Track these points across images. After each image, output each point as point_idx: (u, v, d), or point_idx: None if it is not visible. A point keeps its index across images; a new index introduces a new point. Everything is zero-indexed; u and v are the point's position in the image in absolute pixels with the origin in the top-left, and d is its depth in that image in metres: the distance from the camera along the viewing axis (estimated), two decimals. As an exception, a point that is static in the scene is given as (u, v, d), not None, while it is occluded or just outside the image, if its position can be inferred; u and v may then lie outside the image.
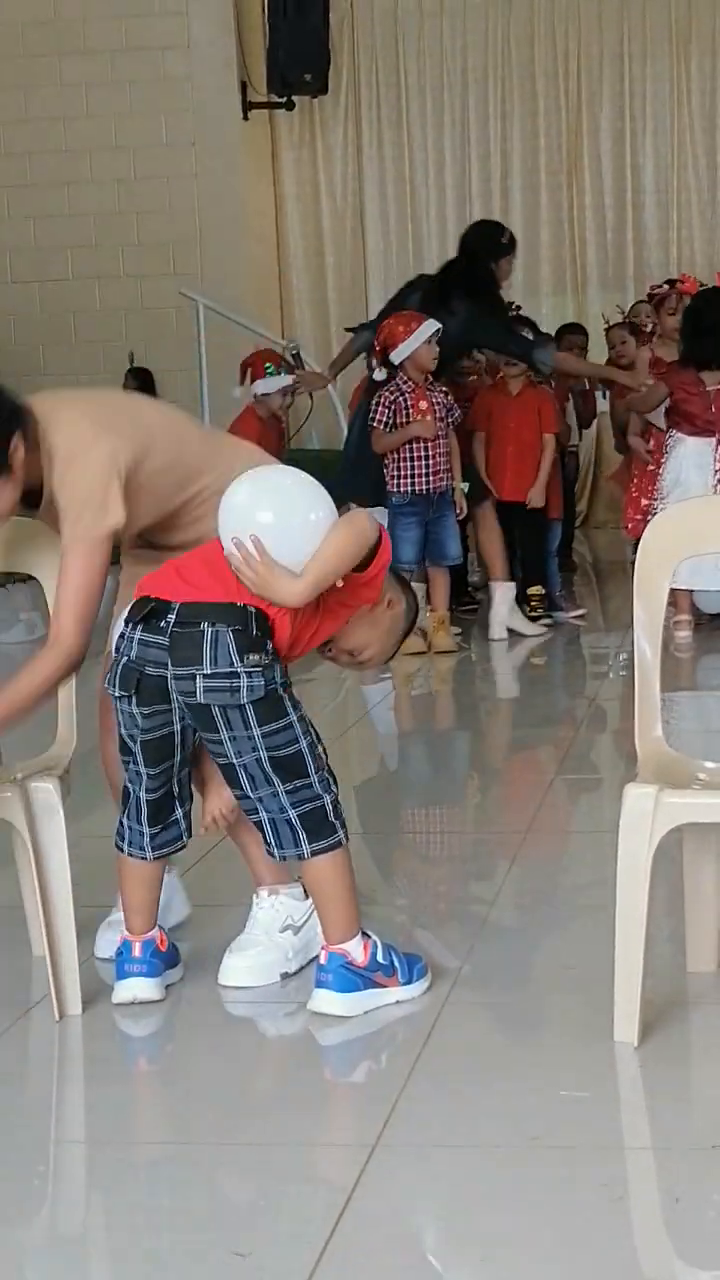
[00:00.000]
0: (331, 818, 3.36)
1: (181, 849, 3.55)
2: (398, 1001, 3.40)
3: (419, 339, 7.59)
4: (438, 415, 7.71)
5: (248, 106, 12.96)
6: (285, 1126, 2.94)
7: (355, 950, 3.39)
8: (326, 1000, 3.38)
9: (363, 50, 13.42)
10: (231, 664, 3.24)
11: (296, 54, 12.44)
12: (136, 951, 3.50)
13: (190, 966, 3.64)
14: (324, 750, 3.40)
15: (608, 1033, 3.17)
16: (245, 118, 13.01)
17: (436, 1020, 3.34)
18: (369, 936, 3.42)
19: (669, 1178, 2.74)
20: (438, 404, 7.73)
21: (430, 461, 7.67)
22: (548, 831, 4.73)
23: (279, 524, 3.21)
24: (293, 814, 3.33)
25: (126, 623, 3.35)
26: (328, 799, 3.36)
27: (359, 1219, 2.57)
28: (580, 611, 8.67)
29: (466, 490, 7.92)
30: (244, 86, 12.87)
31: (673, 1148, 2.82)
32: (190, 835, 3.55)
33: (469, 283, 8.06)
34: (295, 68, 12.53)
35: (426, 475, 7.69)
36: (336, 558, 3.24)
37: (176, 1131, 2.98)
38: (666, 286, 8.73)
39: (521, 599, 8.46)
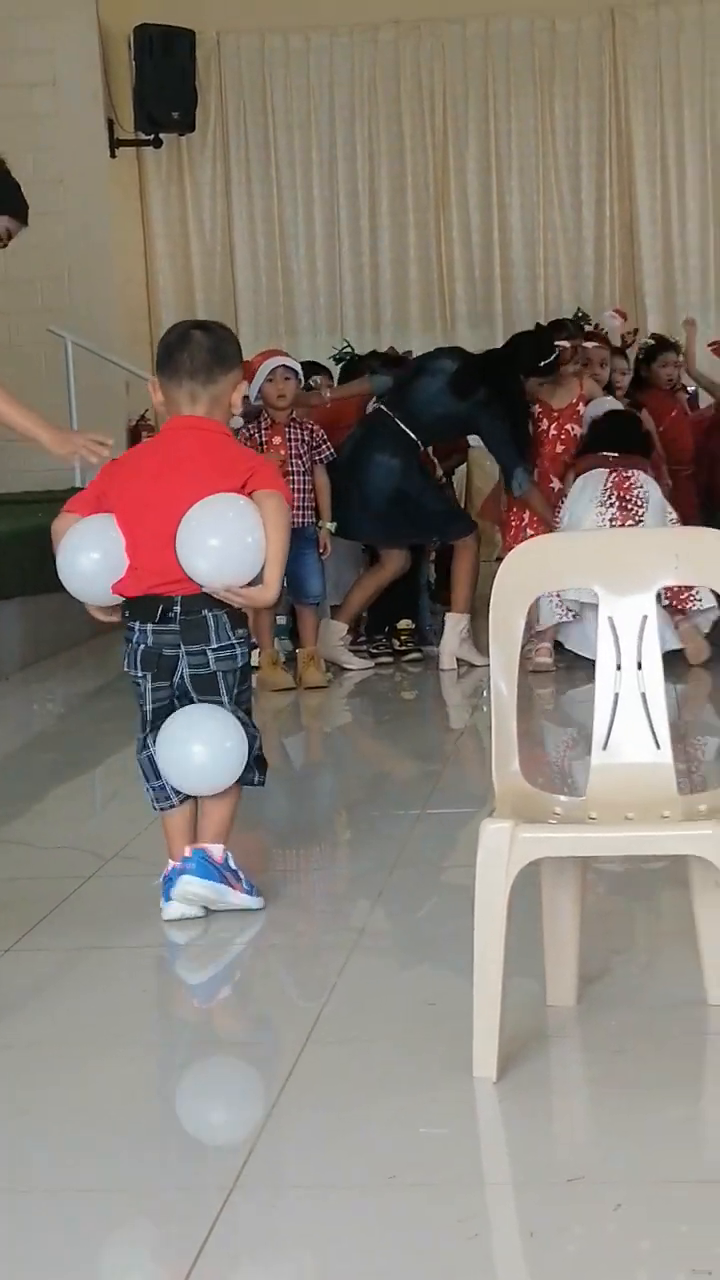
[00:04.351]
0: (264, 759, 4.35)
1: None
2: (241, 905, 4.24)
3: (260, 377, 7.65)
4: (297, 452, 7.75)
5: (115, 144, 12.97)
6: (138, 1170, 2.92)
7: (214, 851, 4.23)
8: (189, 883, 4.18)
9: (230, 88, 13.50)
10: (229, 638, 4.19)
11: (163, 91, 12.50)
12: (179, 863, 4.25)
13: (31, 999, 3.61)
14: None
15: (468, 1068, 3.18)
16: (113, 155, 13.02)
17: (298, 1059, 3.34)
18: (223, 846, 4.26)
19: (526, 1212, 2.75)
20: (297, 440, 7.77)
21: (285, 497, 7.71)
22: (412, 867, 4.74)
23: (227, 549, 4.09)
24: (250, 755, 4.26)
25: (135, 619, 4.20)
26: (257, 744, 4.32)
27: (214, 1263, 2.55)
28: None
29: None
30: (111, 124, 12.88)
31: (530, 1182, 2.84)
32: None
33: (500, 384, 8.12)
34: (162, 105, 12.58)
35: (280, 511, 7.72)
36: (284, 555, 4.15)
37: (26, 1178, 2.94)
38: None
39: (391, 633, 8.53)
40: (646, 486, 7.75)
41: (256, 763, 4.32)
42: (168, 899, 4.27)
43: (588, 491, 7.79)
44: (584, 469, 7.97)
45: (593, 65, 13.49)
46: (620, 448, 8.06)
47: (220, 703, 4.23)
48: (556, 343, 8.72)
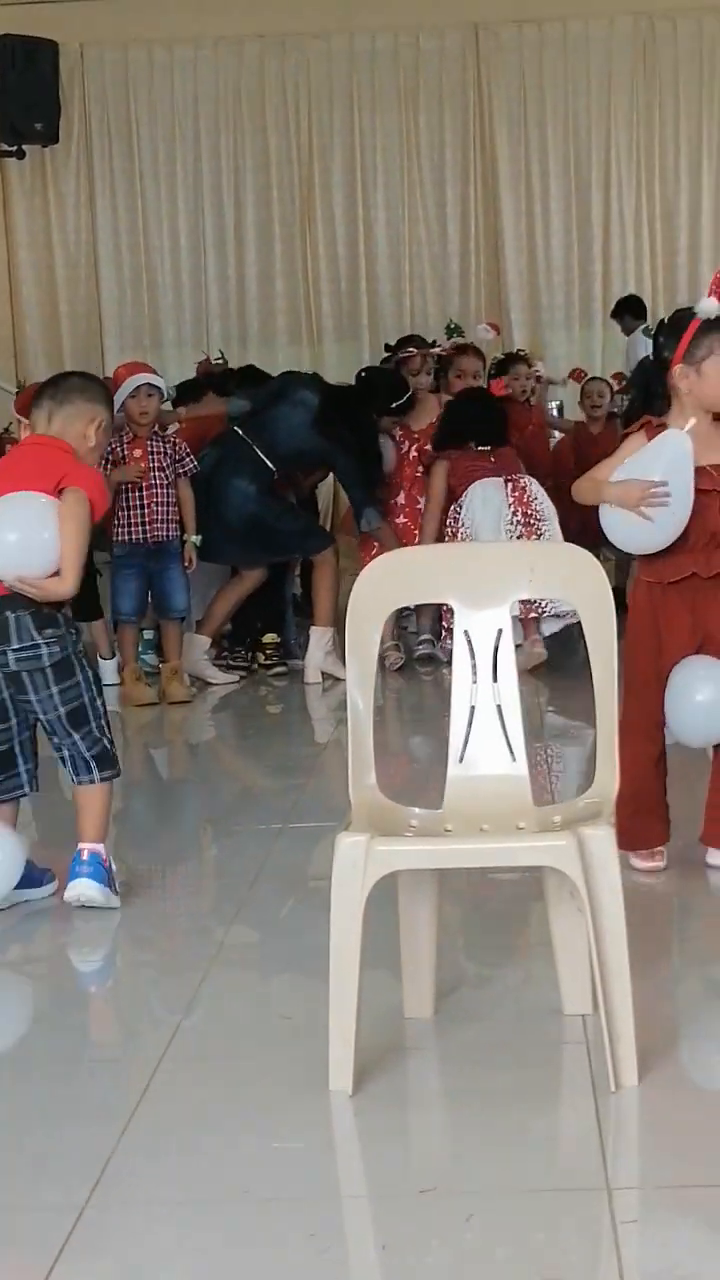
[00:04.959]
0: (112, 754, 4.51)
1: (23, 795, 4.57)
2: (112, 908, 4.42)
3: (123, 394, 7.61)
4: (159, 465, 7.72)
5: (-23, 155, 12.85)
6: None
7: (102, 852, 4.45)
8: (87, 886, 4.39)
9: (93, 100, 13.44)
10: (33, 638, 4.34)
11: (26, 103, 12.37)
12: None
13: None
14: (103, 703, 4.49)
15: (324, 1082, 3.18)
16: (-25, 166, 12.92)
17: (153, 1075, 3.33)
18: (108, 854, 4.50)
19: (379, 1225, 2.76)
20: (159, 452, 7.74)
21: (146, 510, 7.69)
22: (273, 880, 4.74)
23: (21, 543, 4.29)
24: (88, 753, 4.45)
25: None
26: (106, 741, 4.49)
27: (66, 1282, 2.54)
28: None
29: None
30: (-27, 135, 12.75)
31: (384, 1195, 2.84)
32: (33, 789, 4.58)
33: (354, 421, 8.11)
34: (25, 116, 12.44)
35: (143, 524, 7.71)
36: (77, 545, 4.32)
37: None
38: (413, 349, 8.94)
39: (256, 646, 8.52)
40: (540, 497, 7.90)
41: (98, 760, 4.48)
42: None
43: (491, 504, 7.87)
44: (462, 471, 8.00)
45: (456, 81, 13.57)
46: (488, 437, 8.09)
47: (28, 700, 4.41)
48: (403, 354, 8.76)
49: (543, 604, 7.71)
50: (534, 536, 7.75)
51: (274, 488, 8.22)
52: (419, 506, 8.46)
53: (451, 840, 3.36)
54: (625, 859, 4.53)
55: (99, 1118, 3.18)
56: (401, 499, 8.51)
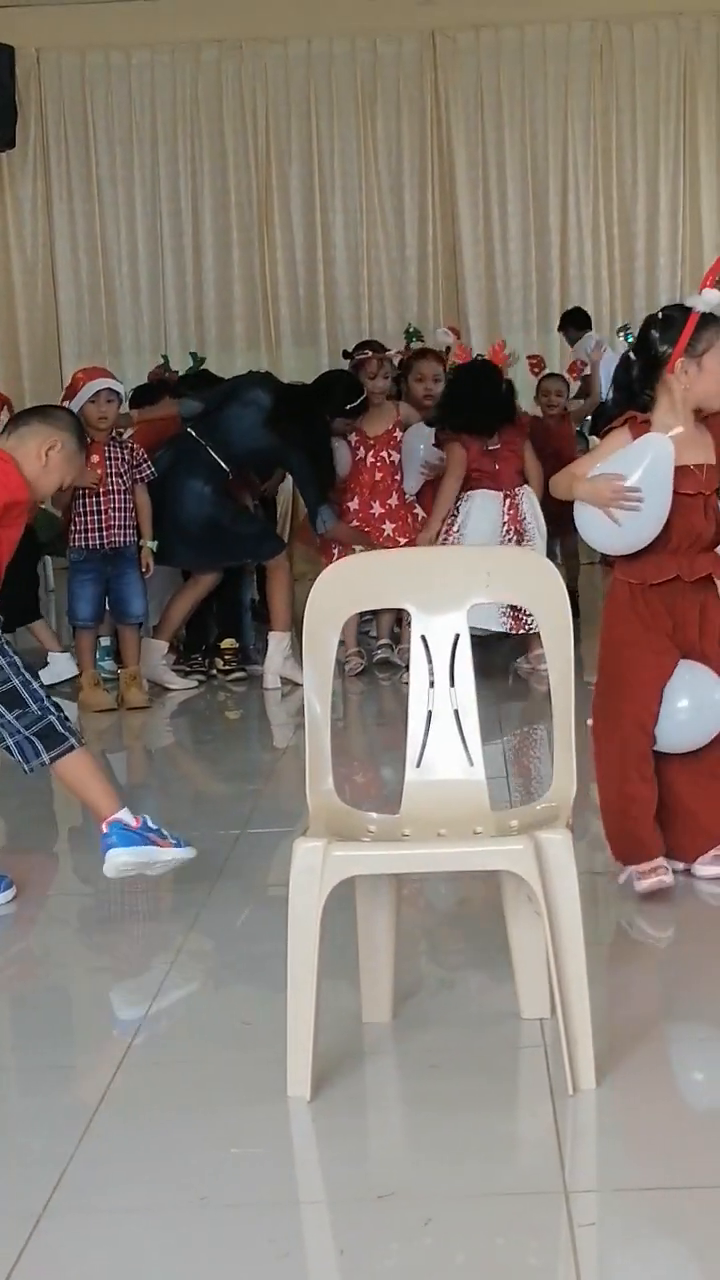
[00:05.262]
0: (60, 730, 4.45)
1: None
2: (174, 859, 4.48)
3: (82, 398, 7.60)
4: (116, 470, 7.72)
5: (-66, 160, 12.82)
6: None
7: (126, 818, 4.44)
8: (114, 855, 4.42)
9: (50, 104, 13.39)
10: None
11: (-18, 107, 12.36)
12: None
13: None
14: (40, 687, 4.48)
15: (283, 1087, 3.18)
16: (-68, 171, 12.87)
17: (111, 1082, 3.32)
18: (138, 815, 4.47)
19: (338, 1230, 2.76)
20: (117, 459, 7.74)
21: (103, 516, 7.70)
22: (231, 886, 4.73)
23: None
24: (27, 733, 4.43)
25: None
26: (51, 717, 4.45)
27: (23, 1290, 2.53)
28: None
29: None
30: (-70, 139, 12.73)
31: (342, 1199, 2.84)
32: None
33: (307, 423, 8.08)
34: (-19, 121, 12.44)
35: (100, 530, 7.71)
36: None
37: None
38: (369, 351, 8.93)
39: (214, 652, 8.52)
40: (529, 516, 7.92)
41: (42, 738, 4.45)
42: None
43: (488, 516, 7.89)
44: (472, 472, 7.95)
45: (414, 86, 13.57)
46: (494, 415, 7.99)
47: None
48: (359, 357, 8.75)
49: (531, 623, 7.72)
50: None
51: (229, 489, 8.22)
52: (372, 511, 8.46)
53: (409, 845, 3.36)
54: (629, 880, 4.46)
55: (56, 1125, 3.17)
56: (356, 504, 8.49)
